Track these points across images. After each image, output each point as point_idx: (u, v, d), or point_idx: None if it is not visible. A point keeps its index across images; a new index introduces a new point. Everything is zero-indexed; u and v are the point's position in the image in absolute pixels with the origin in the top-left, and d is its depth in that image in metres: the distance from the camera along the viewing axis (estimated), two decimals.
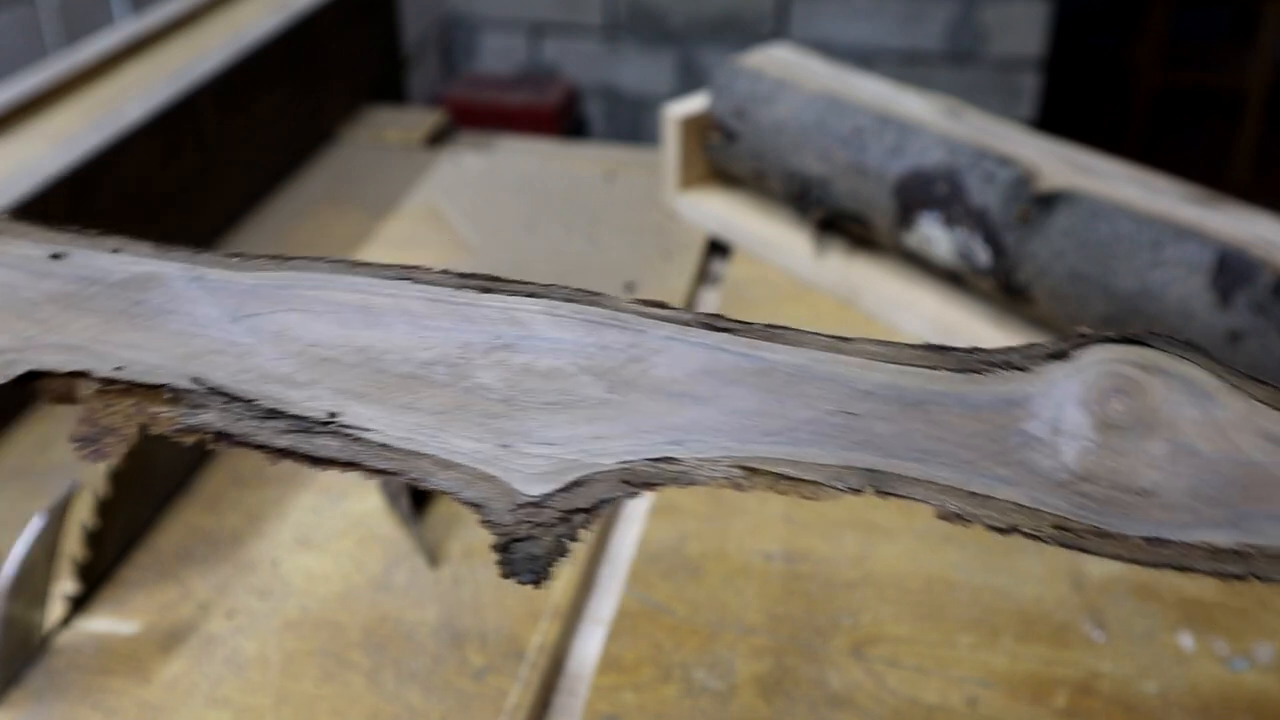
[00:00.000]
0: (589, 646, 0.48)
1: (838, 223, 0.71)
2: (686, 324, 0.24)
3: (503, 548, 0.23)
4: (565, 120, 2.18)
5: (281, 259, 0.26)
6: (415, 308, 0.24)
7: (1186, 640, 0.46)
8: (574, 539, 0.23)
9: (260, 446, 0.23)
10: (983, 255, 0.62)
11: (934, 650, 0.46)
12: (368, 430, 0.23)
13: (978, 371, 0.24)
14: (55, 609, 0.47)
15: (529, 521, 0.23)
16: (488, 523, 0.23)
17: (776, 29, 2.10)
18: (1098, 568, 0.50)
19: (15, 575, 0.44)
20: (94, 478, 0.48)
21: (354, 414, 0.23)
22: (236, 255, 0.26)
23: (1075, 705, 0.43)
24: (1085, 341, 0.24)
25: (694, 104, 0.77)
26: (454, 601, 0.48)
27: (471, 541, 0.51)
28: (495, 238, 0.77)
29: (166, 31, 0.82)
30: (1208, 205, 0.57)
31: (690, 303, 0.71)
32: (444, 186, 0.83)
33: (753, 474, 0.23)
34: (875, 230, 0.69)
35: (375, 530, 0.52)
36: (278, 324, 0.24)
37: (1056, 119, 1.99)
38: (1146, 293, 0.54)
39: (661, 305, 0.25)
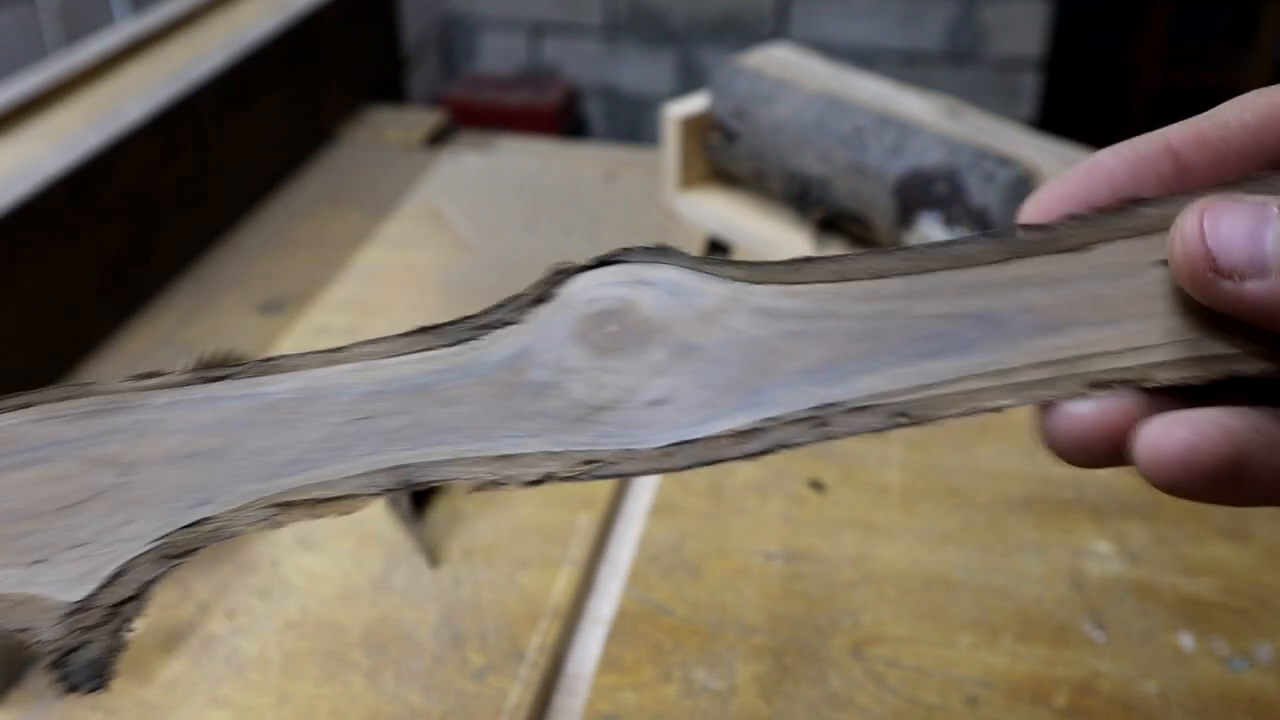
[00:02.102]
0: (589, 646, 0.48)
1: (838, 223, 0.71)
2: (183, 384, 0.24)
3: (58, 663, 0.22)
4: (565, 120, 2.18)
5: None
6: None
7: (1186, 640, 0.46)
8: (128, 630, 0.23)
9: None
10: None
11: (934, 650, 0.46)
12: None
13: (472, 339, 0.24)
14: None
15: (78, 629, 0.22)
16: (38, 643, 0.22)
17: (776, 29, 2.10)
18: (1097, 568, 0.50)
19: None
20: None
21: None
22: None
23: (1075, 705, 0.43)
24: (564, 277, 0.24)
25: (694, 104, 0.77)
26: (454, 601, 0.48)
27: (471, 542, 0.51)
28: (495, 238, 0.77)
29: (166, 31, 0.82)
30: None
31: None
32: (444, 186, 0.83)
33: (287, 508, 0.23)
34: (875, 230, 0.69)
35: (375, 530, 0.52)
36: None
37: (1056, 119, 1.99)
38: None
39: (155, 374, 0.24)
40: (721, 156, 0.77)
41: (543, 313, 0.24)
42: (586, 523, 0.52)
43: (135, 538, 0.23)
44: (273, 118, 0.82)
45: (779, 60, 0.78)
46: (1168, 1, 2.29)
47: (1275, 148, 0.23)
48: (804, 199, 0.72)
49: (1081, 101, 2.54)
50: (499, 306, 0.24)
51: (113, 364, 0.64)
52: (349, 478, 0.23)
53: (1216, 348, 0.22)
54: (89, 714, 0.43)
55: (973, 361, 0.22)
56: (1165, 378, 0.22)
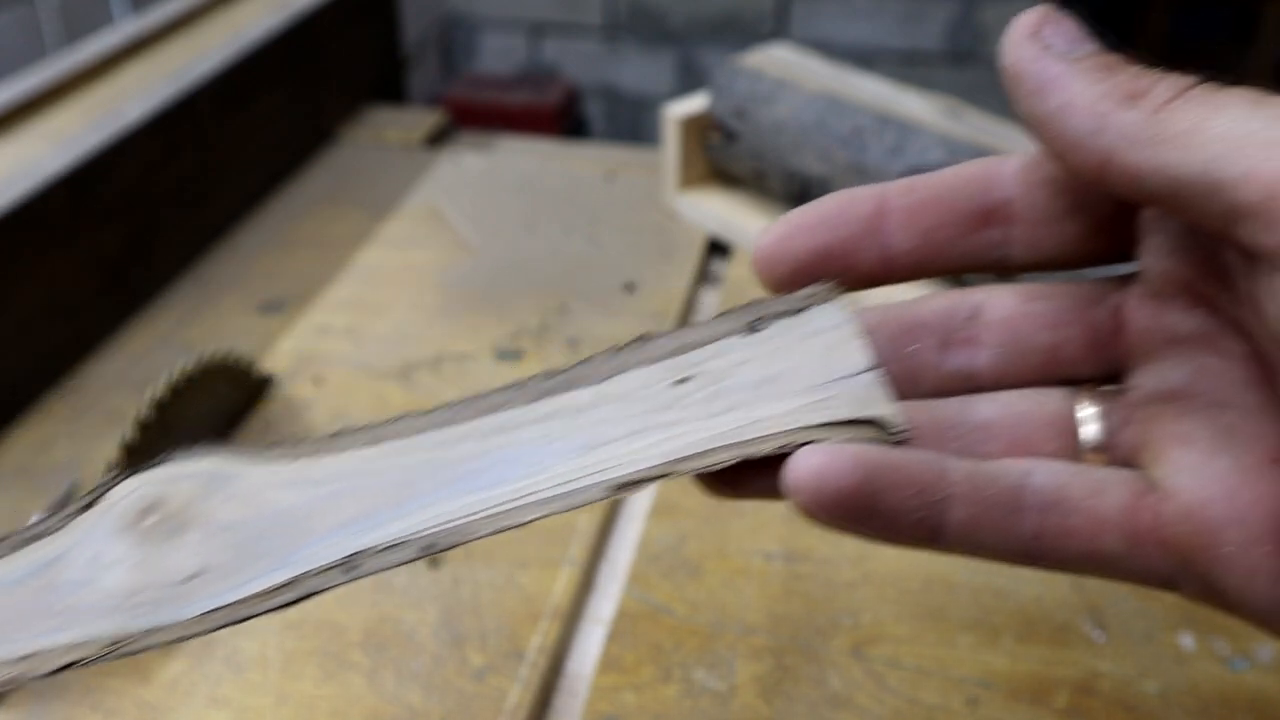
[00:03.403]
0: (589, 646, 0.48)
1: None
2: None
3: None
4: (565, 120, 2.18)
5: None
6: None
7: (1186, 640, 0.46)
8: None
9: None
10: None
11: (934, 650, 0.46)
12: None
13: (10, 554, 0.24)
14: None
15: None
16: None
17: (776, 29, 2.10)
18: None
19: None
20: (93, 478, 0.48)
21: None
22: None
23: (1075, 705, 0.43)
24: (111, 483, 0.25)
25: (694, 104, 0.77)
26: (454, 601, 0.48)
27: (472, 543, 0.51)
28: (495, 238, 0.77)
29: (166, 31, 0.82)
30: None
31: (690, 303, 0.71)
32: (444, 186, 0.83)
33: None
34: None
35: None
36: None
37: None
38: None
39: None
40: (721, 156, 0.77)
41: (87, 519, 0.25)
42: (586, 523, 0.52)
43: None
44: (273, 118, 0.82)
45: (779, 60, 0.78)
46: (1168, 1, 2.29)
47: (965, 206, 0.25)
48: (804, 199, 0.71)
49: None
50: (45, 518, 0.25)
51: (113, 364, 0.64)
52: None
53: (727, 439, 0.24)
54: (89, 714, 0.43)
55: (502, 491, 0.24)
56: (688, 468, 0.23)
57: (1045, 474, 0.23)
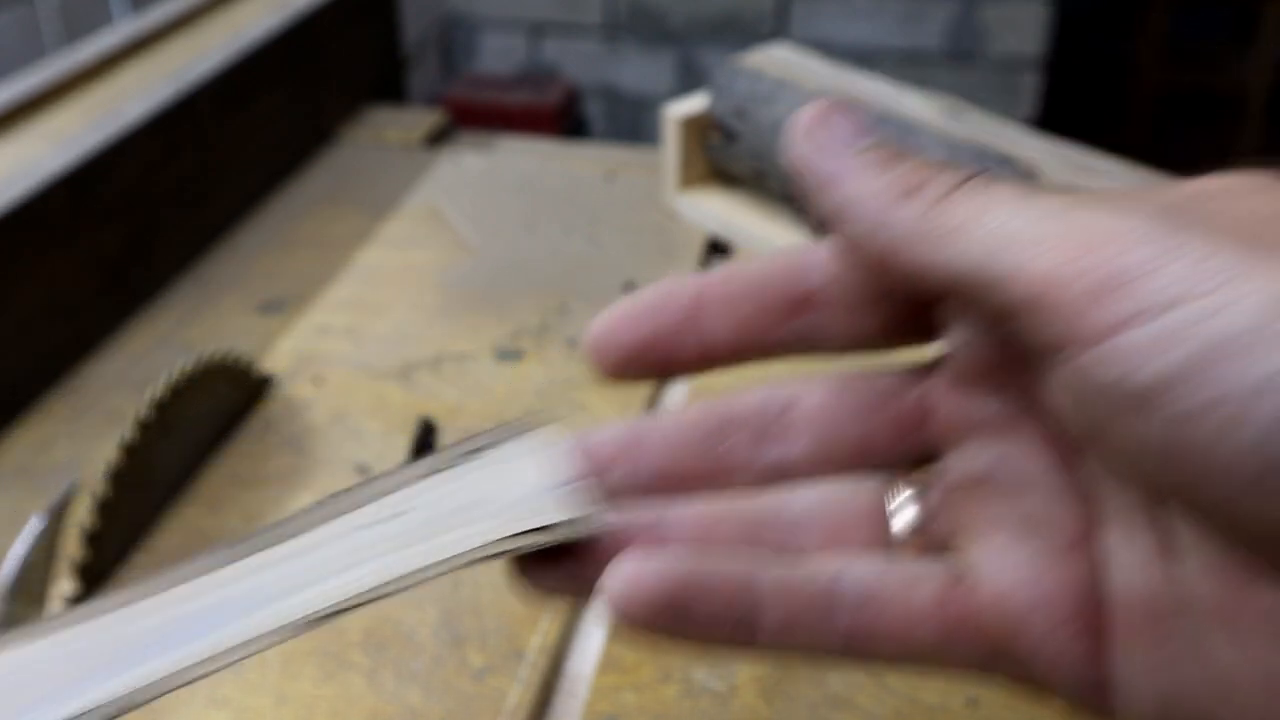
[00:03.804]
0: (589, 646, 0.48)
1: None
2: None
3: None
4: (565, 120, 2.18)
5: None
6: None
7: None
8: None
9: None
10: None
11: None
12: None
13: None
14: (54, 610, 0.47)
15: None
16: None
17: (776, 29, 2.10)
18: None
19: (14, 576, 0.44)
20: (93, 478, 0.48)
21: None
22: None
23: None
24: None
25: (694, 104, 0.77)
26: (454, 601, 0.48)
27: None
28: (495, 238, 0.77)
29: (166, 31, 0.82)
30: None
31: None
32: (444, 186, 0.83)
33: None
34: None
35: None
36: None
37: (1056, 119, 1.99)
38: None
39: None
40: (721, 156, 0.77)
41: None
42: None
43: None
44: (273, 118, 0.82)
45: (779, 60, 0.78)
46: (1168, 1, 2.30)
47: (777, 294, 0.25)
48: (804, 199, 0.72)
49: (1081, 101, 2.54)
50: None
51: (113, 364, 0.64)
52: None
53: (448, 557, 0.25)
54: None
55: (202, 645, 0.24)
56: (393, 590, 0.24)
57: (857, 572, 0.23)
